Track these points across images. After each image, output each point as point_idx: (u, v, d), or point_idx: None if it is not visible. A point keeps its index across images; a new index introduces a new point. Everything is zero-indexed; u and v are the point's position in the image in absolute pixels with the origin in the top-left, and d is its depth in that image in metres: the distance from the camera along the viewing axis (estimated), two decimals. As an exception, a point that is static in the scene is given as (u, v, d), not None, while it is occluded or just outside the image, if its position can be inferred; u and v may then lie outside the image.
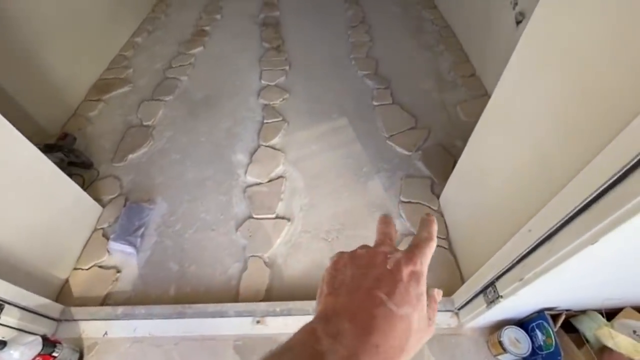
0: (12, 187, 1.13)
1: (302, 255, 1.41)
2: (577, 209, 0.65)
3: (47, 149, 1.55)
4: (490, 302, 0.97)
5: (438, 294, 0.33)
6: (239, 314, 1.19)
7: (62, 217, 1.33)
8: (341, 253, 0.33)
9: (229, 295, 1.29)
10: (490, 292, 0.97)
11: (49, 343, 1.01)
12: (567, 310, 1.02)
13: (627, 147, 0.56)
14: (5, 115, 1.07)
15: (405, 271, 0.29)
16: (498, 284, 0.94)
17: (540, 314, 1.03)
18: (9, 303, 1.02)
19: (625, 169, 0.55)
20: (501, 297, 0.92)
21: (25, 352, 0.96)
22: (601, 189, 0.60)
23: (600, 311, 1.00)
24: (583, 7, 0.70)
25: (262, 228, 1.49)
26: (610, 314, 0.98)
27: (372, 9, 3.07)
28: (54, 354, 1.03)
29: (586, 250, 0.64)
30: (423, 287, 0.30)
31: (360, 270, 0.30)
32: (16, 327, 1.04)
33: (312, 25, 2.88)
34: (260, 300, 1.25)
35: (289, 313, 1.19)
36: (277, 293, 1.30)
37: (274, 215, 1.53)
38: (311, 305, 1.20)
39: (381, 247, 0.33)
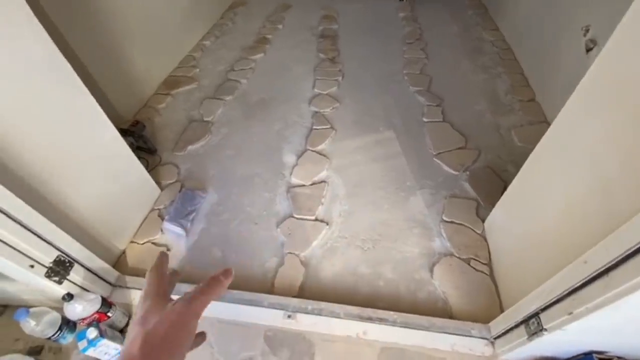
0: (94, 161, 1.29)
1: (337, 259, 1.44)
2: (642, 244, 0.61)
3: (121, 133, 1.73)
4: (532, 334, 0.92)
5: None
6: (272, 306, 1.24)
7: (128, 193, 1.49)
8: None
9: (264, 287, 1.35)
10: (533, 323, 0.92)
11: (106, 303, 1.13)
12: (619, 357, 0.94)
13: None
14: (92, 99, 1.23)
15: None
16: (543, 316, 0.89)
17: (587, 355, 0.96)
18: (78, 262, 1.16)
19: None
20: (545, 330, 0.87)
21: (87, 307, 1.08)
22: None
23: (658, 365, 0.91)
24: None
25: (301, 228, 1.54)
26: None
27: (430, 27, 3.08)
28: (109, 314, 1.14)
29: (649, 289, 0.61)
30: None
31: None
32: (80, 285, 1.17)
33: (368, 40, 2.95)
34: (294, 297, 1.29)
35: (319, 313, 1.22)
36: (309, 292, 1.33)
37: (313, 218, 1.58)
38: (342, 308, 1.22)
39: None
